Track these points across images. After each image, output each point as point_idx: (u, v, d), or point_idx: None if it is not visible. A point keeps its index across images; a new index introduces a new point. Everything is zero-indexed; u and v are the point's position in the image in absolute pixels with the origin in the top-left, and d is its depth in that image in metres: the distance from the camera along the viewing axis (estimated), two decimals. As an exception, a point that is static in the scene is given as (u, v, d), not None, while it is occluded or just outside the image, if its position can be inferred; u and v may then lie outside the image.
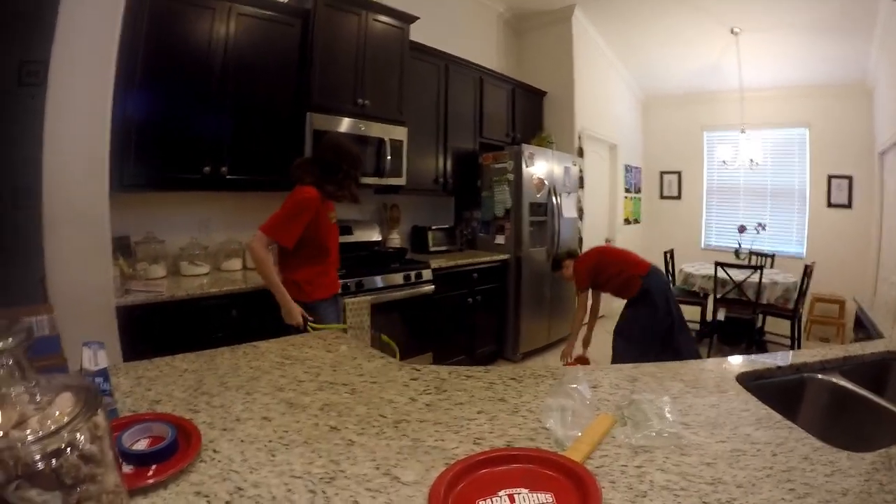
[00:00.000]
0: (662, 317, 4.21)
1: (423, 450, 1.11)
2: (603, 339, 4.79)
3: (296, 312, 2.84)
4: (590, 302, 4.73)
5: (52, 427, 0.62)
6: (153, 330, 2.87)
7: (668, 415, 1.28)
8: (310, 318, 2.86)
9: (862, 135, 7.07)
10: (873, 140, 6.88)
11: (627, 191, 8.69)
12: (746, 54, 7.00)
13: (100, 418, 0.68)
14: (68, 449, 0.63)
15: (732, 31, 6.66)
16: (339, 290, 3.27)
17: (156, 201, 3.60)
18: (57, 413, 0.65)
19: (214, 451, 1.09)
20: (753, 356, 2.00)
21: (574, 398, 1.27)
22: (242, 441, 1.14)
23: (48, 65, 2.41)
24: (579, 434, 1.18)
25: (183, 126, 3.41)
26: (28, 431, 0.61)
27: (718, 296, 6.08)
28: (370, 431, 1.19)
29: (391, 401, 1.38)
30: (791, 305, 5.99)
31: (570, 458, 1.06)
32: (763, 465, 1.11)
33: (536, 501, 0.93)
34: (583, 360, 4.48)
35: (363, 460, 1.06)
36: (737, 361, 1.90)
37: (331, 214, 3.03)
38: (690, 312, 6.52)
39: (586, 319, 4.73)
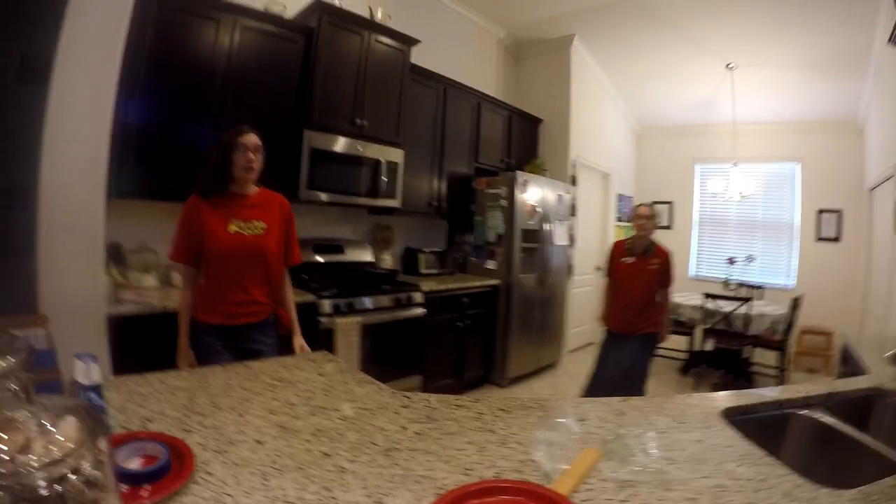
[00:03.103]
0: None
1: (414, 479, 1.12)
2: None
3: (180, 355, 2.51)
4: None
5: (58, 454, 0.63)
6: (143, 341, 2.81)
7: (652, 450, 1.30)
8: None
9: (852, 171, 7.21)
10: (863, 176, 7.02)
11: (619, 220, 8.74)
12: (741, 89, 7.11)
13: (103, 443, 0.70)
14: (73, 474, 0.64)
15: (728, 66, 6.79)
16: (248, 323, 2.63)
17: (150, 211, 3.55)
18: (62, 438, 0.66)
19: (208, 472, 1.10)
20: (739, 392, 2.02)
21: (561, 432, 1.28)
22: (236, 464, 1.15)
23: (50, 62, 2.42)
24: (566, 467, 1.19)
25: (181, 136, 3.41)
26: (33, 456, 0.62)
27: (706, 326, 6.11)
28: (362, 459, 1.20)
29: (382, 428, 1.38)
30: (779, 337, 6.03)
31: (557, 491, 1.07)
32: (745, 501, 1.12)
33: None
34: None
35: (355, 488, 1.07)
36: (722, 396, 1.92)
37: (232, 221, 2.54)
38: (678, 342, 6.57)
39: None
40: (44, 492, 0.61)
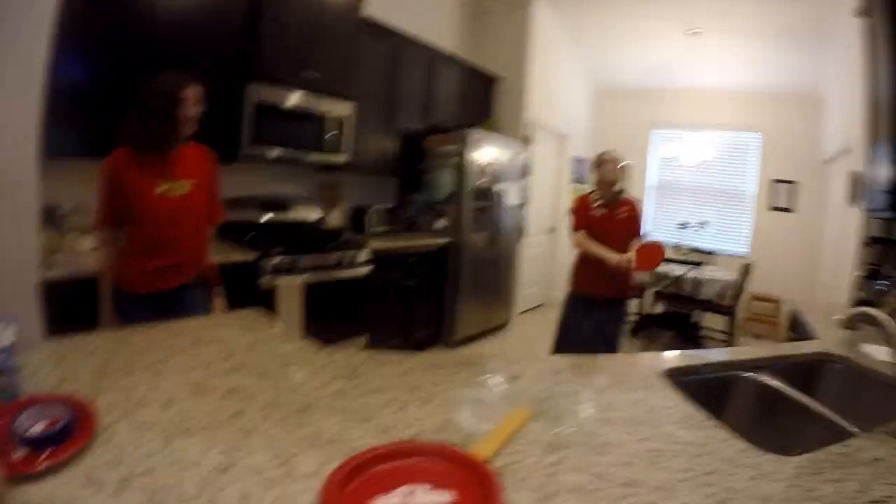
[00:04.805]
0: None
1: (326, 439, 1.07)
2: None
3: (106, 322, 2.42)
4: None
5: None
6: (77, 305, 2.60)
7: (587, 410, 1.28)
8: None
9: (809, 143, 7.36)
10: (820, 149, 7.17)
11: (574, 181, 8.75)
12: (702, 55, 7.15)
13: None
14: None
15: (691, 32, 6.76)
16: (175, 286, 2.55)
17: (89, 169, 3.37)
18: None
19: (111, 435, 1.04)
20: (683, 351, 2.02)
21: (489, 390, 1.23)
22: (140, 426, 1.08)
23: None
24: (490, 428, 1.14)
25: (120, 90, 3.04)
26: None
27: (657, 289, 6.19)
28: (273, 418, 1.15)
29: (300, 387, 1.33)
30: (728, 302, 6.17)
31: (476, 453, 1.02)
32: (684, 466, 1.10)
33: (436, 499, 0.90)
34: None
35: (261, 449, 1.02)
36: (666, 357, 1.91)
37: (160, 181, 2.43)
38: (628, 304, 6.65)
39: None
40: None
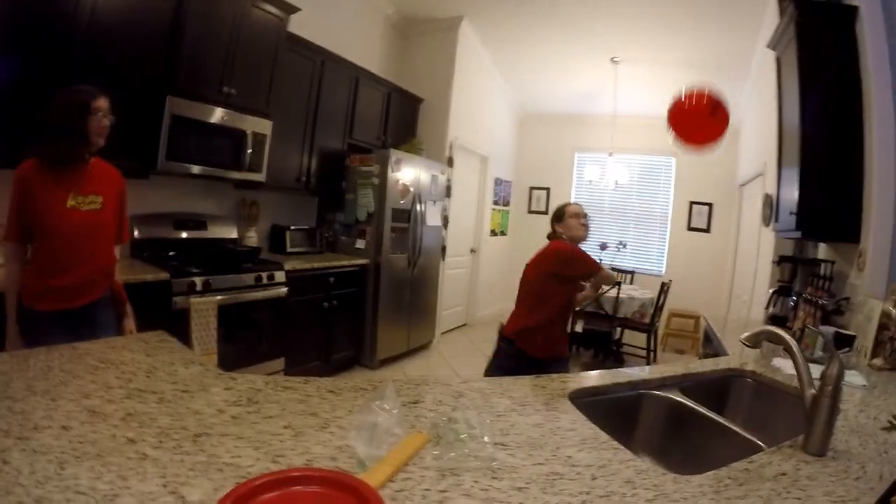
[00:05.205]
0: None
1: (217, 467, 1.08)
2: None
3: (12, 339, 2.34)
4: None
5: None
6: None
7: (484, 435, 1.26)
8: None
9: (726, 168, 7.77)
10: (735, 173, 7.58)
11: (496, 203, 8.90)
12: (624, 83, 7.45)
13: None
14: None
15: (612, 60, 7.08)
16: (85, 304, 2.50)
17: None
18: None
19: (4, 461, 1.02)
20: (590, 372, 2.06)
21: (382, 415, 1.25)
22: (35, 451, 1.07)
23: None
24: (384, 454, 1.14)
25: (33, 97, 2.94)
26: None
27: (577, 308, 6.35)
28: (167, 445, 1.15)
29: (197, 412, 1.33)
30: (647, 320, 6.44)
31: (366, 481, 1.02)
32: (580, 489, 1.10)
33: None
34: None
35: (152, 476, 1.02)
36: (572, 378, 1.93)
37: (70, 196, 2.39)
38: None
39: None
40: None
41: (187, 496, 0.97)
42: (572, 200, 8.52)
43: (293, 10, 4.65)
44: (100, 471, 1.03)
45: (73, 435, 1.16)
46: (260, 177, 4.53)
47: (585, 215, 3.37)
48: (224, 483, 1.01)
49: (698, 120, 3.21)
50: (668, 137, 3.33)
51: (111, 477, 1.01)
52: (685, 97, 3.25)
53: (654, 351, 6.55)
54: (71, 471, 1.02)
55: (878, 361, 2.38)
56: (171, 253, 3.94)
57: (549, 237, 3.42)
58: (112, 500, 0.94)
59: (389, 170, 5.45)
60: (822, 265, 3.36)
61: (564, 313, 3.33)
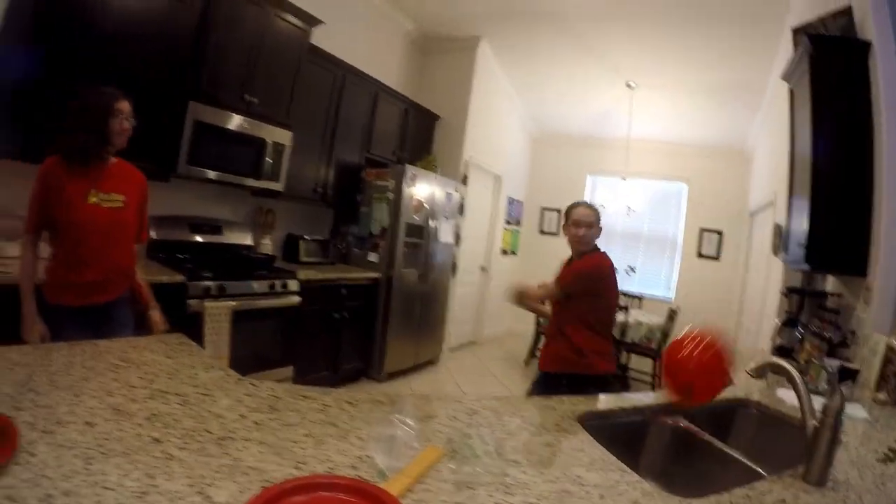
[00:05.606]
0: None
1: (242, 470, 1.10)
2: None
3: (27, 326, 2.36)
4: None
5: None
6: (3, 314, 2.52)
7: (498, 452, 1.29)
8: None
9: (737, 195, 7.80)
10: (746, 201, 7.57)
11: (508, 222, 8.93)
12: (638, 107, 7.47)
13: None
14: None
15: (628, 85, 7.11)
16: (105, 301, 2.56)
17: (20, 172, 3.18)
18: None
19: (31, 454, 1.04)
20: (600, 395, 2.07)
21: (403, 429, 1.28)
22: (61, 446, 1.09)
23: None
24: (402, 466, 1.17)
25: (58, 95, 2.93)
26: None
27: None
28: (192, 446, 1.17)
29: (220, 416, 1.35)
30: (654, 345, 6.41)
31: (388, 490, 1.05)
32: None
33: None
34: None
35: (179, 476, 1.04)
36: (581, 400, 1.94)
37: (91, 192, 2.44)
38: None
39: None
40: None
41: (214, 497, 0.99)
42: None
43: (316, 22, 4.72)
44: (127, 468, 1.05)
45: (97, 432, 1.18)
46: (278, 186, 4.57)
47: (590, 224, 3.38)
48: (249, 486, 1.04)
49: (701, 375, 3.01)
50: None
51: (138, 475, 1.03)
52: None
53: (660, 377, 6.50)
54: (98, 466, 1.04)
55: (881, 395, 2.39)
56: (185, 256, 3.98)
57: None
58: (141, 497, 0.96)
59: (405, 185, 5.49)
60: (830, 298, 3.36)
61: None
